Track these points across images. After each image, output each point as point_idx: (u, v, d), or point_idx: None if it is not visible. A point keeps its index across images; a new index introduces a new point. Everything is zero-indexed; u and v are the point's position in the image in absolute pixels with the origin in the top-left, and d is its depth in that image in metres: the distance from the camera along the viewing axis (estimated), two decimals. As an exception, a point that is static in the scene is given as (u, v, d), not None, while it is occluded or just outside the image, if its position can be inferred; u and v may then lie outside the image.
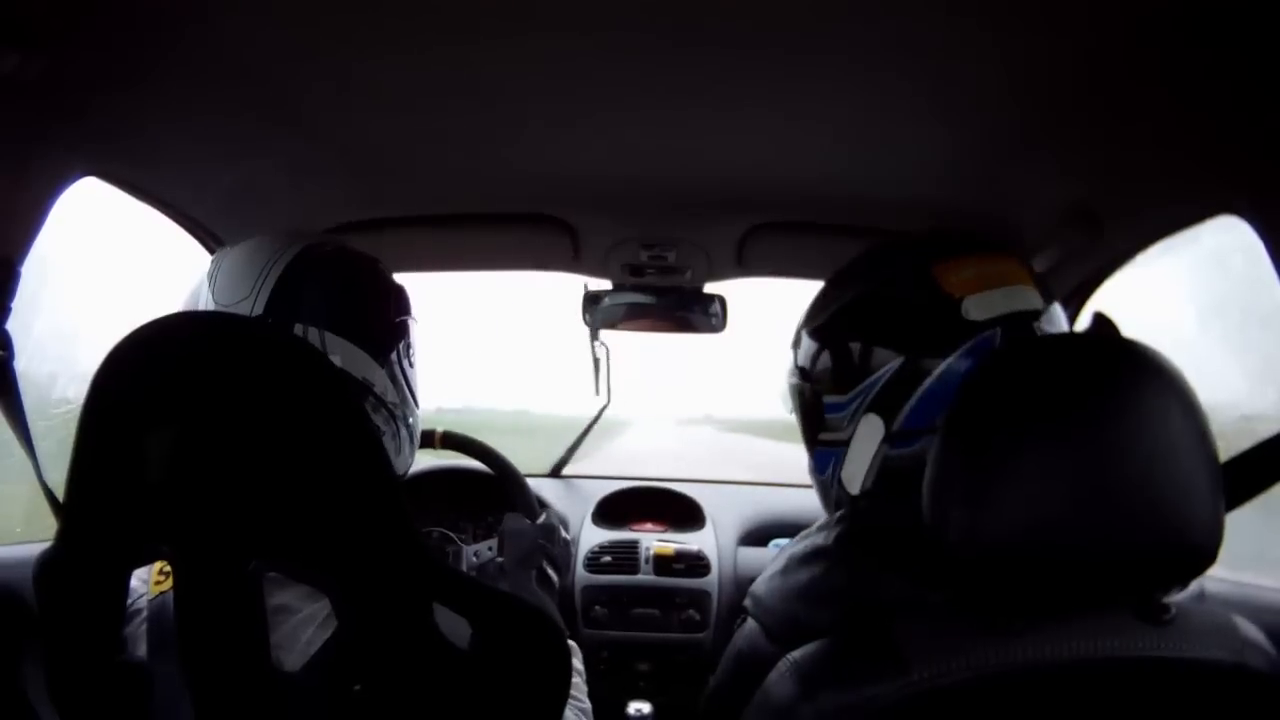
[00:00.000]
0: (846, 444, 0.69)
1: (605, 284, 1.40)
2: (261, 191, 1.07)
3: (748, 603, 0.70)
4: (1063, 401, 0.54)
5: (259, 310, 0.69)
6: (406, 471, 0.81)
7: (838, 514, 0.68)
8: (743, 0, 0.69)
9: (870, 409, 0.67)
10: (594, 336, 1.60)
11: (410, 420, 0.79)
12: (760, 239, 1.25)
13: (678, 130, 0.96)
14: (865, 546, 0.63)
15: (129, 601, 0.67)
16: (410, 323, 0.79)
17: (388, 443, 0.75)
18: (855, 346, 0.69)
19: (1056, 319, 0.67)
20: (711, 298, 1.40)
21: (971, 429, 0.56)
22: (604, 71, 0.83)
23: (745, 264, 1.31)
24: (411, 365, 0.79)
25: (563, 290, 1.43)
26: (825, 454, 0.73)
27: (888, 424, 0.66)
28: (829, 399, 0.71)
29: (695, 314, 1.41)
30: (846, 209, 1.16)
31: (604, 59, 0.80)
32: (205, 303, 0.71)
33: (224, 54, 0.79)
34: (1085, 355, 0.57)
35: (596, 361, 1.66)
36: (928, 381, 0.65)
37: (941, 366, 0.64)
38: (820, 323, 0.73)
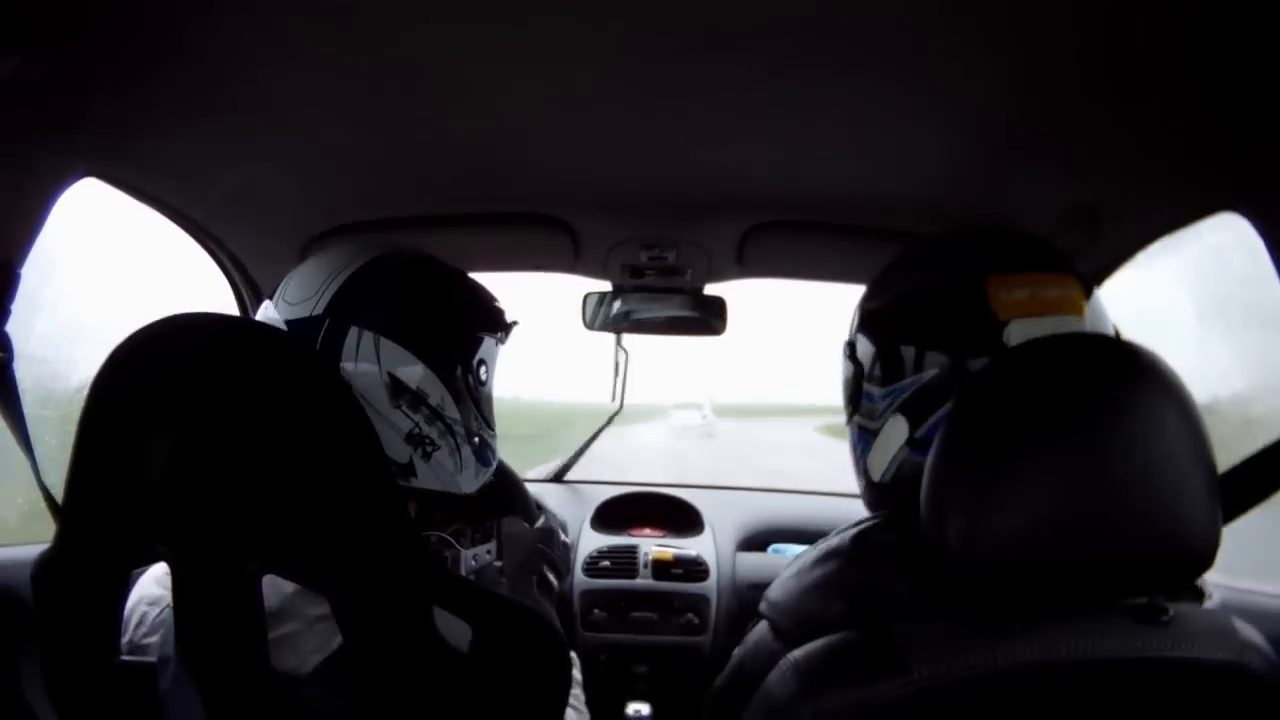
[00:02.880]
0: (875, 435, 0.71)
1: (605, 285, 1.40)
2: (261, 192, 1.07)
3: (763, 606, 0.70)
4: (1061, 406, 0.55)
5: (319, 310, 0.68)
6: (473, 492, 0.79)
7: (852, 522, 0.68)
8: (741, 3, 0.69)
9: (900, 410, 0.68)
10: (617, 341, 1.58)
11: (476, 440, 0.76)
12: (760, 239, 1.25)
13: (678, 131, 0.96)
14: (877, 548, 0.63)
15: (157, 611, 0.67)
16: (487, 339, 0.77)
17: (444, 458, 0.73)
18: (896, 345, 0.69)
19: None
20: (712, 299, 1.40)
21: (970, 434, 0.56)
22: (604, 73, 0.83)
23: (745, 264, 1.31)
24: (482, 383, 0.77)
25: (556, 280, 1.42)
26: (860, 436, 0.74)
27: (912, 429, 0.67)
28: (868, 387, 0.71)
29: (695, 316, 1.41)
30: (846, 209, 1.17)
31: (603, 60, 0.80)
32: (277, 300, 0.71)
33: (223, 56, 0.79)
34: (1084, 359, 0.57)
35: (617, 365, 1.63)
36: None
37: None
38: (870, 309, 0.74)
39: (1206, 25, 0.67)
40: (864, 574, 0.63)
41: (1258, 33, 0.66)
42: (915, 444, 0.67)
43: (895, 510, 0.67)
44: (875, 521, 0.67)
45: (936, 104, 0.87)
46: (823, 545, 0.68)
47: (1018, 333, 0.63)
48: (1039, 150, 0.94)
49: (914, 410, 0.67)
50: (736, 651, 0.73)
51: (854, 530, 0.67)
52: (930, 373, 0.66)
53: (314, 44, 0.78)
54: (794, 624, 0.65)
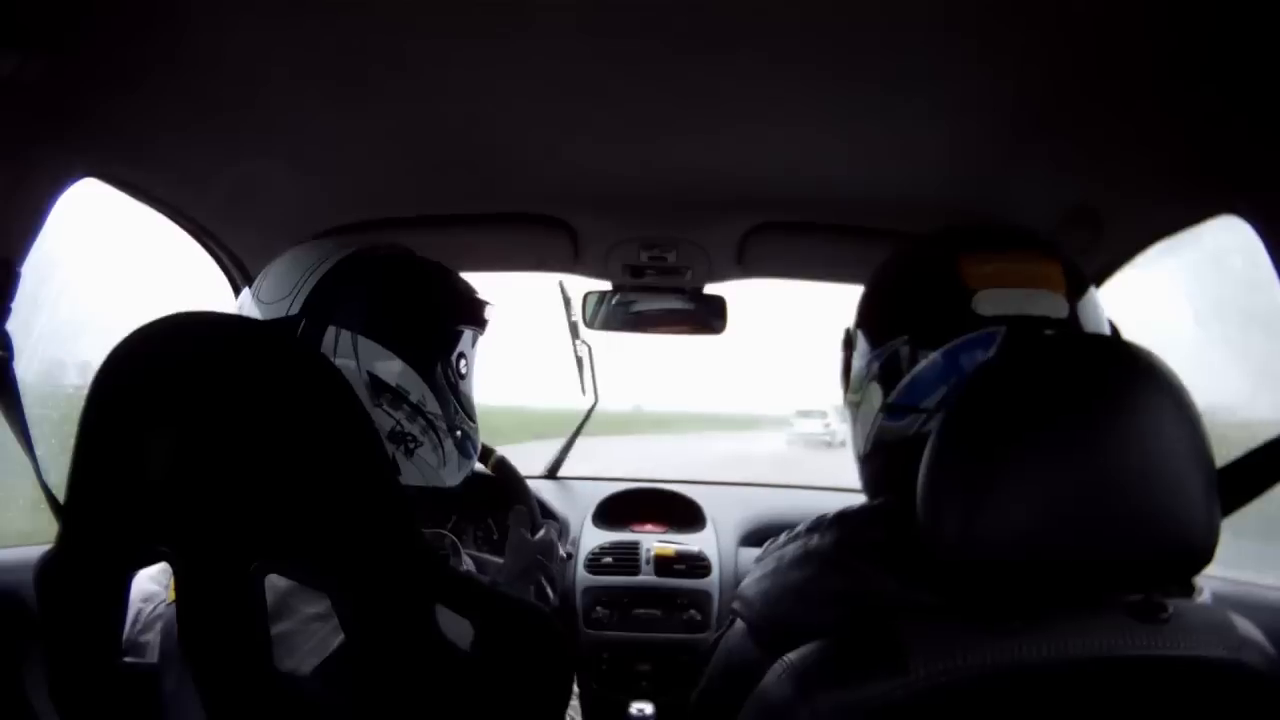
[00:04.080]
0: (858, 407, 0.72)
1: (605, 284, 1.40)
2: (260, 192, 1.07)
3: (736, 604, 0.70)
4: (1059, 403, 0.54)
5: (295, 310, 0.68)
6: (456, 486, 0.79)
7: (830, 516, 0.68)
8: (742, 3, 0.69)
9: (875, 378, 0.69)
10: (574, 335, 1.64)
11: (458, 433, 0.76)
12: (760, 239, 1.25)
13: (678, 131, 0.96)
14: (860, 549, 0.63)
15: (151, 608, 0.67)
16: (466, 332, 0.77)
17: (427, 454, 0.73)
18: (874, 321, 0.71)
19: (1089, 327, 0.66)
20: (711, 299, 1.40)
21: (968, 430, 0.56)
22: (604, 73, 0.83)
23: (745, 264, 1.31)
24: (462, 376, 0.77)
25: (543, 283, 1.42)
26: (851, 413, 0.75)
27: (885, 394, 0.68)
28: (855, 364, 0.73)
29: (695, 315, 1.41)
30: (847, 209, 1.17)
31: (604, 61, 0.80)
32: (253, 295, 0.71)
33: (223, 55, 0.79)
34: (1082, 358, 0.57)
35: (579, 361, 1.70)
36: (923, 363, 0.66)
37: (938, 352, 0.65)
38: (860, 298, 0.75)
39: (1206, 26, 0.67)
40: (849, 579, 0.62)
41: (1258, 33, 0.66)
42: (889, 409, 0.68)
43: (882, 502, 0.67)
44: (859, 518, 0.66)
45: (937, 104, 0.87)
46: (798, 542, 0.67)
47: (986, 302, 0.64)
48: (1039, 150, 0.94)
49: (887, 377, 0.68)
50: (718, 654, 0.72)
51: (834, 531, 0.66)
52: (901, 339, 0.67)
53: (314, 44, 0.78)
54: (772, 630, 0.64)
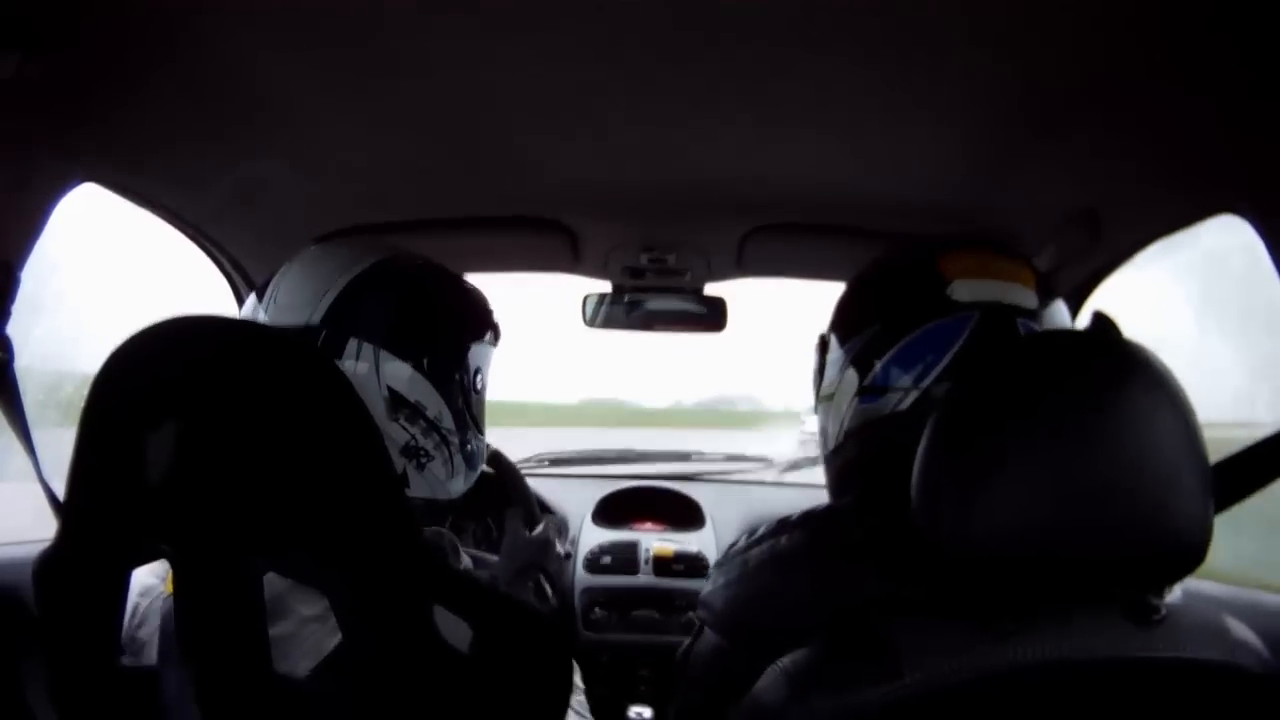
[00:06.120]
0: (832, 398, 0.73)
1: (605, 285, 1.40)
2: (260, 196, 1.07)
3: (702, 613, 0.69)
4: (1051, 399, 0.54)
5: (316, 320, 0.68)
6: (458, 496, 0.79)
7: (796, 517, 0.68)
8: (741, 4, 0.69)
9: (851, 364, 0.70)
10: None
11: (469, 447, 0.77)
12: (760, 241, 1.25)
13: (678, 133, 0.96)
14: (834, 548, 0.62)
15: (148, 602, 0.67)
16: (481, 347, 0.77)
17: (437, 468, 0.73)
18: (851, 315, 0.73)
19: (1054, 324, 0.68)
20: (711, 299, 1.40)
21: (960, 427, 0.56)
22: (604, 75, 0.83)
23: (745, 265, 1.31)
24: (477, 391, 0.77)
25: (553, 281, 1.42)
26: (823, 410, 0.76)
27: (861, 379, 0.69)
28: (829, 359, 0.74)
29: (695, 315, 1.42)
30: (846, 210, 1.17)
31: (603, 62, 0.80)
32: (266, 303, 0.70)
33: (222, 59, 0.79)
34: (1074, 353, 0.57)
35: None
36: (899, 344, 0.67)
37: (914, 334, 0.66)
38: (839, 296, 0.77)
39: (1206, 25, 0.67)
40: (824, 580, 0.61)
41: (1257, 33, 0.66)
42: (864, 392, 0.69)
43: (849, 501, 0.67)
44: (828, 517, 0.66)
45: (937, 105, 0.87)
46: (764, 544, 0.66)
47: (962, 288, 0.65)
48: (1039, 151, 0.94)
49: (863, 362, 0.69)
50: (693, 663, 0.71)
51: (803, 531, 0.65)
52: (876, 326, 0.68)
53: (314, 48, 0.78)
54: (748, 635, 0.63)
